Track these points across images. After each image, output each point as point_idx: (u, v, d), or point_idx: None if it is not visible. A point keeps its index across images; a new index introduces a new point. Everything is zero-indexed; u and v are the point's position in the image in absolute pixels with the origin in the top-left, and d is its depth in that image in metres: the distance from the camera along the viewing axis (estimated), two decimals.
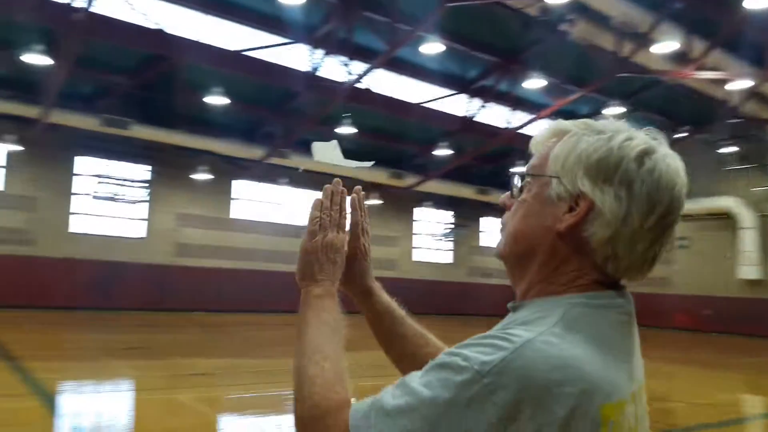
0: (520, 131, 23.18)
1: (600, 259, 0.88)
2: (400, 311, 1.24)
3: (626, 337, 0.90)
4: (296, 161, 23.82)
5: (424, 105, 22.87)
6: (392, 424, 0.78)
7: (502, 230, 0.98)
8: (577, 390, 0.76)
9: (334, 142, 1.49)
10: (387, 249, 30.75)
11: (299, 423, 0.91)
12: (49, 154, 22.15)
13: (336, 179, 1.18)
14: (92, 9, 14.81)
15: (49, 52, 16.03)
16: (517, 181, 0.96)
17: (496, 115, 23.70)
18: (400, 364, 1.17)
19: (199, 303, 24.32)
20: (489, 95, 22.71)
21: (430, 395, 0.77)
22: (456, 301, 31.81)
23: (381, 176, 26.06)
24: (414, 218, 32.24)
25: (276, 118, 22.41)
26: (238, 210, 26.65)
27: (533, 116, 23.15)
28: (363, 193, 1.21)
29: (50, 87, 17.54)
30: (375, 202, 29.13)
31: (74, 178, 23.03)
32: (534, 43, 19.38)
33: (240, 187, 26.73)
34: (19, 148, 21.08)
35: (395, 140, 25.29)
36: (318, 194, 1.20)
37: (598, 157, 0.88)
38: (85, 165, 23.14)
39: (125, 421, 7.01)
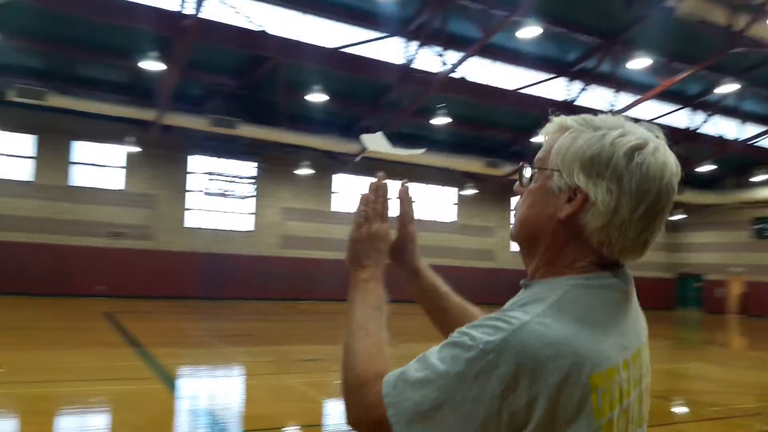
0: (624, 114, 22.14)
1: (595, 244, 0.97)
2: (445, 288, 1.38)
3: (619, 313, 0.98)
4: (392, 154, 24.04)
5: (521, 91, 22.37)
6: (416, 393, 0.93)
7: (515, 215, 1.10)
8: (568, 363, 0.87)
9: (380, 132, 1.58)
10: (483, 239, 30.46)
11: (344, 390, 1.04)
12: (165, 154, 23.75)
13: (380, 173, 1.30)
14: (200, 15, 15.61)
15: (161, 58, 17.17)
16: (526, 172, 1.06)
17: (599, 98, 22.78)
18: (446, 333, 1.21)
19: (303, 292, 25.27)
20: (590, 77, 21.89)
21: (444, 369, 0.91)
22: None
23: (476, 165, 25.80)
24: (511, 208, 31.60)
25: (372, 112, 22.77)
26: (338, 203, 27.37)
27: (639, 97, 22.08)
28: (408, 186, 1.31)
29: (163, 91, 18.78)
30: (470, 192, 28.91)
31: (188, 176, 24.55)
32: (637, 21, 18.43)
33: (340, 181, 27.43)
34: (137, 149, 22.77)
35: (491, 128, 24.93)
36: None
37: (591, 153, 0.96)
38: (197, 163, 24.60)
39: (239, 404, 7.47)
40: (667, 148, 0.99)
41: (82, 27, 17.49)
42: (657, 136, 0.99)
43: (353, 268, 1.22)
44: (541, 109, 14.24)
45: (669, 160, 0.98)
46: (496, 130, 25.17)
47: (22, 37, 17.43)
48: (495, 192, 29.85)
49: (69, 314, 16.49)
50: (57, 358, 9.30)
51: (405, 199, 1.33)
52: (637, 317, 1.04)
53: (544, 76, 22.74)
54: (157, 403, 6.97)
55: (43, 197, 22.00)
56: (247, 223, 25.59)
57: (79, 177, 22.77)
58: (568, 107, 22.84)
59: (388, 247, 1.27)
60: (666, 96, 22.99)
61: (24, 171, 21.95)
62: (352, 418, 1.02)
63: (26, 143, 22.00)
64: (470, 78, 20.94)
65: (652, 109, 24.28)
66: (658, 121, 22.36)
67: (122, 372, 8.49)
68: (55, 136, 22.16)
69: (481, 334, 0.90)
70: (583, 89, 22.27)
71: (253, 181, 24.97)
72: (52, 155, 22.25)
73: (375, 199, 1.27)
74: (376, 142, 1.52)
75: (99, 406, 6.74)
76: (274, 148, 24.52)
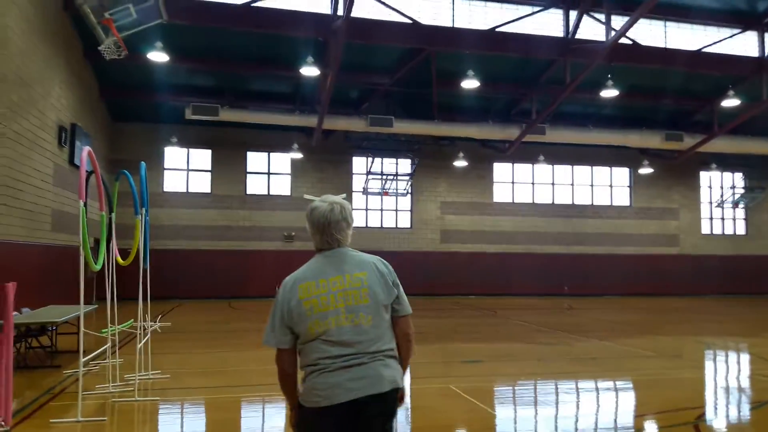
0: None
1: (315, 244, 2.63)
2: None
3: (319, 264, 2.52)
4: (554, 136, 22.50)
5: (704, 51, 19.69)
6: (267, 329, 2.51)
7: None
8: (291, 279, 2.51)
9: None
10: (665, 223, 27.55)
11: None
12: (327, 158, 24.36)
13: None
14: (351, 14, 15.48)
15: (317, 63, 17.47)
16: None
17: None
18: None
19: (464, 287, 24.63)
20: None
21: (273, 307, 2.53)
22: (753, 279, 27.24)
23: (654, 140, 23.28)
24: (699, 184, 28.19)
25: (531, 92, 21.41)
26: (500, 193, 26.25)
27: None
28: None
29: (322, 96, 19.12)
30: (647, 170, 26.23)
31: (353, 177, 24.93)
32: None
33: (501, 170, 26.30)
34: (301, 155, 23.61)
35: (669, 97, 22.26)
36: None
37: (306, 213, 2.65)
38: (360, 164, 24.90)
39: (407, 411, 6.96)
40: (325, 203, 2.59)
41: (244, 42, 18.39)
42: (324, 199, 2.61)
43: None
44: (728, 69, 12.15)
45: (321, 209, 2.56)
46: (676, 99, 22.46)
47: (191, 58, 18.75)
48: (677, 168, 26.85)
49: (247, 316, 17.34)
50: (223, 360, 9.52)
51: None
52: (343, 263, 2.51)
53: (730, 31, 19.91)
54: None
55: (221, 206, 23.62)
56: (405, 220, 25.46)
57: (252, 185, 24.14)
58: (762, 64, 19.76)
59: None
60: None
61: (203, 183, 23.74)
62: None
63: (204, 157, 23.78)
64: (641, 42, 18.92)
65: None
66: None
67: None
68: (228, 148, 23.70)
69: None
70: None
71: (409, 177, 24.75)
72: (227, 167, 23.81)
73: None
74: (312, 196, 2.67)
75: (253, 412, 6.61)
76: (429, 142, 24.13)
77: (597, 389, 7.84)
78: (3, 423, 5.08)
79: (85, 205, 5.77)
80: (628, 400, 7.42)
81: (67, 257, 15.68)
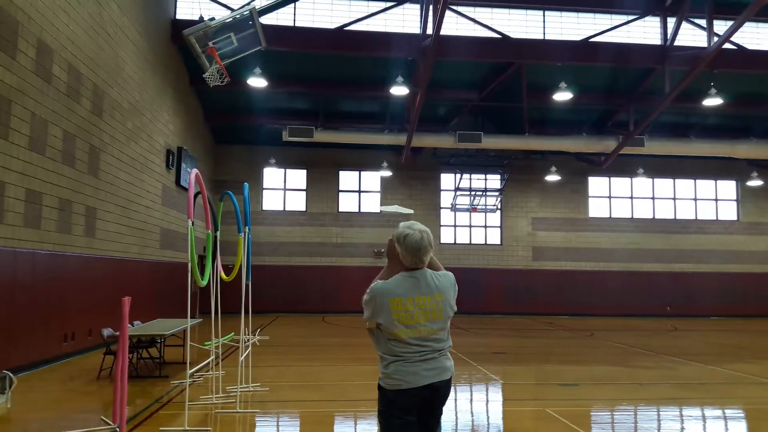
0: None
1: (405, 263, 3.22)
2: None
3: (409, 282, 3.17)
4: (654, 147, 21.54)
5: None
6: (365, 314, 3.22)
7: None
8: (384, 291, 3.15)
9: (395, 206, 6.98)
10: None
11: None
12: (416, 175, 24.56)
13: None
14: (440, 32, 15.65)
15: (407, 83, 17.73)
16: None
17: None
18: None
19: (559, 307, 23.92)
20: None
21: (365, 299, 3.22)
22: None
23: (763, 150, 21.78)
24: None
25: (628, 103, 20.66)
26: (596, 208, 25.39)
27: None
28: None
29: (411, 114, 19.36)
30: (756, 183, 24.54)
31: (441, 193, 25.01)
32: None
33: (596, 184, 25.46)
34: (390, 173, 23.94)
35: None
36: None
37: (396, 236, 3.25)
38: (448, 180, 24.95)
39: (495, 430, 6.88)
40: (415, 234, 3.17)
41: (336, 65, 18.99)
42: (412, 227, 3.21)
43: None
44: None
45: (414, 237, 3.16)
46: None
47: (288, 82, 19.55)
48: None
49: (339, 331, 17.67)
50: (319, 374, 9.76)
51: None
52: (426, 286, 3.18)
53: None
54: None
55: (316, 224, 24.32)
56: (494, 237, 25.12)
57: (343, 203, 24.72)
58: None
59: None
60: None
61: (299, 202, 24.57)
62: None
63: (299, 177, 24.63)
64: (747, 47, 17.86)
65: None
66: None
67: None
68: (321, 168, 24.43)
69: (370, 286, 3.20)
70: None
71: (499, 193, 24.44)
72: (321, 185, 24.52)
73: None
74: (389, 207, 4.19)
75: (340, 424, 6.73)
76: (520, 157, 23.77)
77: (704, 417, 7.40)
78: (118, 429, 5.46)
79: (193, 224, 6.16)
80: (739, 431, 6.95)
81: (173, 273, 16.68)
